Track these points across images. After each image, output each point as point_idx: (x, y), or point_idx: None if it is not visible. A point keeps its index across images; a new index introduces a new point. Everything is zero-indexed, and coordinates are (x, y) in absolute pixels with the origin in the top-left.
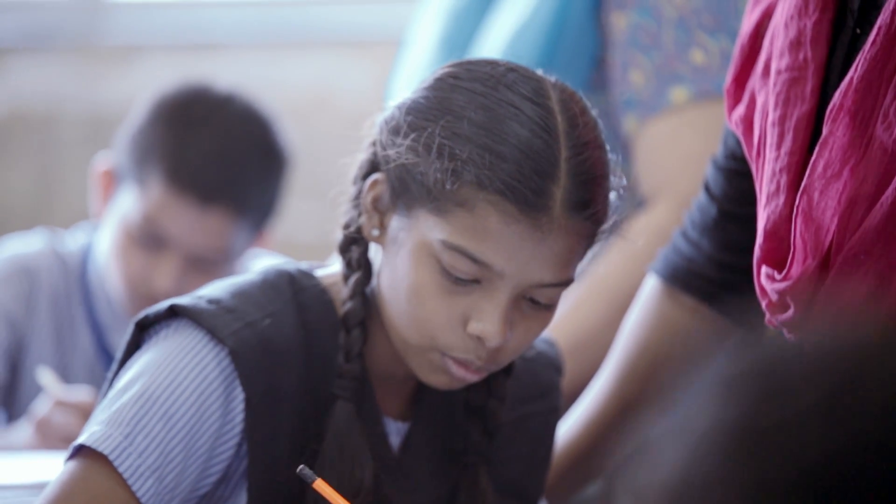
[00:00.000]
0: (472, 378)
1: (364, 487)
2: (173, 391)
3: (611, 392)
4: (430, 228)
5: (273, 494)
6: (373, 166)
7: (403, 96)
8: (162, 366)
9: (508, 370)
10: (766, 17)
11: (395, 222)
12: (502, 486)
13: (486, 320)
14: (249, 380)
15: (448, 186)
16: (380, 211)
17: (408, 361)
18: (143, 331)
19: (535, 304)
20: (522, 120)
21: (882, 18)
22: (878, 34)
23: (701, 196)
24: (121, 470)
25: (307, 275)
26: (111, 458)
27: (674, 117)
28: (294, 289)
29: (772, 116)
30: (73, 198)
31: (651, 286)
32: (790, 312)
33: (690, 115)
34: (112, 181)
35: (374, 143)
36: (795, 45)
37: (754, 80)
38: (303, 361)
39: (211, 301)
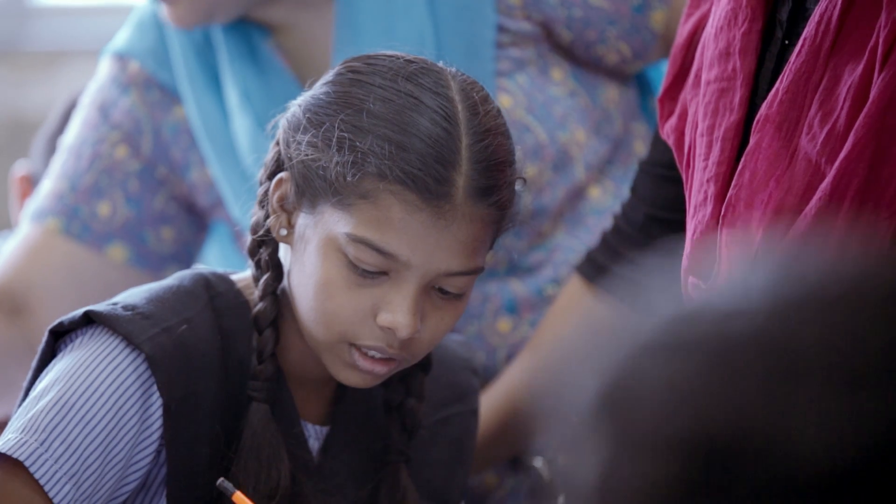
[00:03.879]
0: (381, 370)
1: (281, 488)
2: (89, 397)
3: (522, 379)
4: (334, 223)
5: (193, 501)
6: (277, 166)
7: (304, 94)
8: (77, 372)
9: (426, 368)
10: (699, 28)
11: (302, 220)
12: (423, 490)
13: (396, 311)
14: (167, 385)
15: (349, 179)
16: (286, 210)
17: (321, 359)
18: (58, 338)
19: (446, 294)
20: (422, 110)
21: (807, 30)
22: (803, 45)
23: (628, 198)
24: (37, 476)
25: (223, 278)
26: (27, 464)
27: None
28: (210, 293)
29: (701, 127)
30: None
31: (575, 282)
32: None
33: None
34: (30, 187)
35: (277, 143)
36: (725, 55)
37: (686, 92)
38: (220, 366)
39: (126, 307)
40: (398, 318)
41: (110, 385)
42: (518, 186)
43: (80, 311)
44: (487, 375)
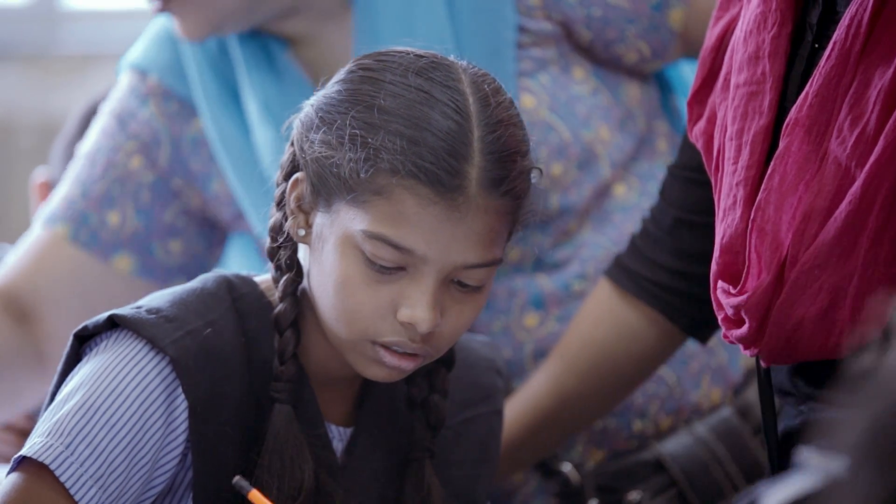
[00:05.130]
0: (407, 365)
1: (305, 489)
2: (115, 400)
3: (549, 383)
4: (350, 220)
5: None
6: (293, 166)
7: (317, 93)
8: (102, 375)
9: (449, 364)
10: (728, 31)
11: (319, 219)
12: (449, 490)
13: (415, 306)
14: (192, 388)
15: (362, 175)
16: (304, 210)
17: (346, 357)
18: (83, 343)
19: (465, 286)
20: (433, 104)
21: (837, 34)
22: (833, 49)
23: (657, 201)
24: (62, 479)
25: (246, 280)
26: (52, 467)
27: None
28: (233, 295)
29: (730, 130)
30: (28, 208)
31: (603, 286)
32: (745, 328)
33: None
34: (49, 193)
35: (292, 143)
36: (754, 59)
37: (715, 95)
38: (244, 368)
39: (150, 311)
40: (417, 312)
41: (135, 388)
42: (534, 177)
43: (104, 315)
44: (514, 371)
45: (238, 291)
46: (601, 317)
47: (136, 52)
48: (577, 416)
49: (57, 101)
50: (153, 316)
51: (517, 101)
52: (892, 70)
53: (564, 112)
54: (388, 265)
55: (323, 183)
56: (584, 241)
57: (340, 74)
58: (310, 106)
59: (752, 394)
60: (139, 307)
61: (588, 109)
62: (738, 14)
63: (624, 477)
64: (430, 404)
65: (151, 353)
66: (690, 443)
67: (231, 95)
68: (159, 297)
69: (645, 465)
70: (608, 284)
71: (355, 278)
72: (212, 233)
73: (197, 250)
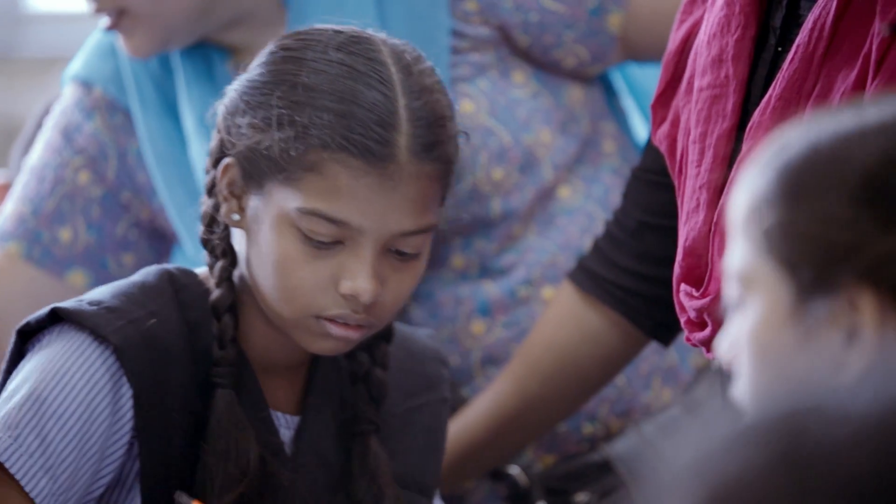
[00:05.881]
0: (354, 335)
1: (250, 471)
2: (61, 391)
3: (511, 386)
4: (284, 199)
5: (167, 494)
6: (221, 152)
7: (239, 78)
8: (48, 368)
9: (388, 338)
10: (691, 34)
11: (252, 202)
12: (399, 478)
13: (356, 277)
14: (136, 376)
15: (293, 154)
16: (236, 195)
17: (291, 336)
18: (27, 339)
19: (403, 255)
20: (357, 76)
21: (800, 37)
22: (796, 52)
23: (620, 204)
24: (13, 471)
25: (186, 272)
26: (2, 460)
27: None
28: (174, 286)
29: (693, 133)
30: None
31: (566, 290)
32: (708, 330)
33: None
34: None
35: (218, 130)
36: (717, 62)
37: (678, 98)
38: (188, 357)
39: (92, 303)
40: (359, 283)
41: (81, 378)
42: (461, 140)
43: (46, 310)
44: (462, 378)
45: (179, 283)
46: (563, 320)
47: (79, 63)
48: (541, 418)
49: (21, 104)
50: (95, 307)
51: (455, 106)
52: (855, 73)
53: (504, 116)
54: (326, 240)
55: (254, 166)
56: (529, 246)
57: (261, 57)
58: (233, 91)
59: (702, 392)
60: (81, 300)
61: (528, 113)
62: (702, 17)
63: (572, 479)
64: (371, 378)
65: (95, 343)
66: (638, 443)
67: (169, 110)
68: (101, 291)
69: (593, 466)
70: (571, 287)
71: (294, 256)
72: (160, 244)
73: (149, 262)
